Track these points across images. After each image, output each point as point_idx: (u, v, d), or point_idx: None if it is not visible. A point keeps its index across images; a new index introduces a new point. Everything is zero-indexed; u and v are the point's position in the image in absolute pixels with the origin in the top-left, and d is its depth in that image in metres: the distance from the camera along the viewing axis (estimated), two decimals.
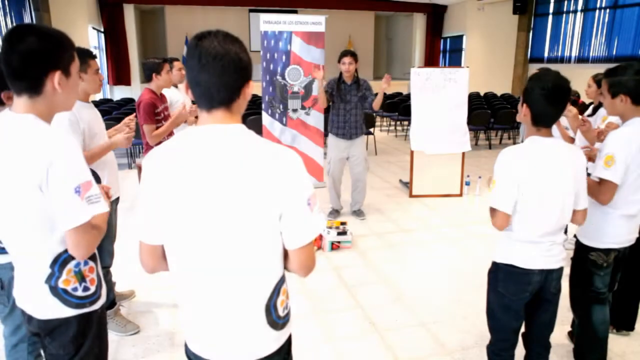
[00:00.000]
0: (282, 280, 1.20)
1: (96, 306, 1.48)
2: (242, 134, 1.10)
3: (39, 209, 1.28)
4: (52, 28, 1.33)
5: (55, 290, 1.39)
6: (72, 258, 1.39)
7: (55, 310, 1.41)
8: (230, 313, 1.15)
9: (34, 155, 1.22)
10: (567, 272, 2.47)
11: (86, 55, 2.48)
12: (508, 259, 1.87)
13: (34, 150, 1.23)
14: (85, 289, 1.44)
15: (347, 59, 4.38)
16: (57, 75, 1.30)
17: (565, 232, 4.01)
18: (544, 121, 1.76)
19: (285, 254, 1.19)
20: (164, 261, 1.20)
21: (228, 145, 1.07)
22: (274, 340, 1.20)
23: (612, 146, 2.05)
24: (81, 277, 1.43)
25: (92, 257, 1.48)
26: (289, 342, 1.27)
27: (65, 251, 1.37)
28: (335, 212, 4.84)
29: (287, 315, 1.25)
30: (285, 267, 1.22)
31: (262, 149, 1.08)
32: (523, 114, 1.80)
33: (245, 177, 1.05)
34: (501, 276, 1.91)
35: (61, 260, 1.38)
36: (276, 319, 1.19)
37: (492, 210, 1.81)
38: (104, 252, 2.75)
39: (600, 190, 2.08)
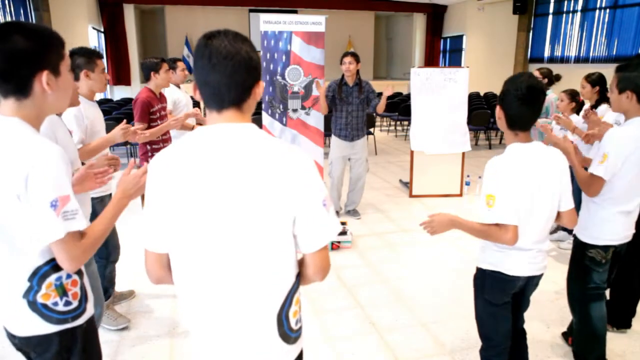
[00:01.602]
0: (295, 289, 1.15)
1: (80, 321, 1.39)
2: (254, 134, 1.06)
3: (18, 219, 1.21)
4: (40, 25, 1.26)
5: (34, 305, 1.30)
6: (53, 271, 1.31)
7: (34, 326, 1.32)
8: (240, 323, 1.10)
9: (13, 163, 1.16)
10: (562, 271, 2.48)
11: (93, 55, 2.55)
12: (495, 266, 1.85)
13: (14, 157, 1.16)
14: (67, 303, 1.35)
15: (347, 59, 4.42)
16: (45, 75, 1.22)
17: (571, 232, 4.04)
18: (520, 124, 1.74)
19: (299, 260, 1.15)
20: (170, 271, 1.15)
21: (240, 145, 1.04)
22: (284, 355, 1.16)
23: (607, 145, 2.08)
24: (62, 291, 1.34)
25: (77, 271, 1.40)
26: (299, 359, 1.22)
27: (46, 264, 1.30)
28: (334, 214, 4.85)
29: (300, 329, 1.19)
30: (299, 276, 1.17)
31: (275, 149, 1.05)
32: (498, 117, 1.79)
33: (257, 178, 1.01)
34: (488, 283, 1.90)
35: (41, 274, 1.30)
36: (288, 331, 1.14)
37: (498, 227, 1.72)
38: (110, 247, 2.81)
39: (589, 183, 2.12)
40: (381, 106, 4.53)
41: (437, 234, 1.88)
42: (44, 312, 1.32)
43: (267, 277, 1.08)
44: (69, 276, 1.35)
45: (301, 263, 1.15)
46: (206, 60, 1.02)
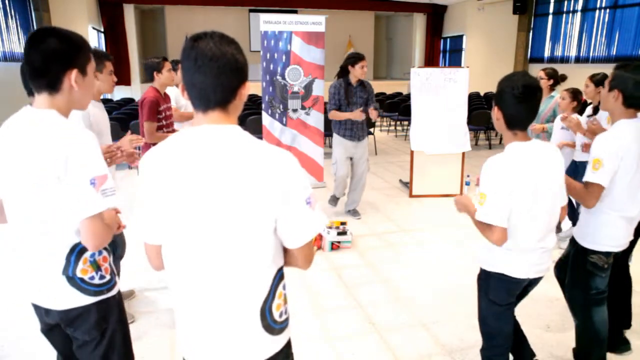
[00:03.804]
0: (277, 283, 1.18)
1: (113, 292, 1.55)
2: (237, 135, 1.09)
3: (58, 200, 1.34)
4: (71, 31, 1.42)
5: (72, 280, 1.44)
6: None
7: (74, 299, 1.46)
8: (224, 315, 1.13)
9: (55, 147, 1.30)
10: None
11: (102, 57, 2.65)
12: (500, 268, 1.84)
13: (55, 142, 1.30)
14: (102, 277, 1.51)
15: (364, 62, 4.36)
16: (74, 73, 1.39)
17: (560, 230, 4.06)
18: (518, 124, 1.74)
19: (284, 252, 1.19)
20: None
21: (223, 146, 1.07)
22: (269, 345, 1.18)
23: (598, 149, 2.03)
24: (97, 267, 1.49)
25: (105, 248, 1.54)
26: (287, 348, 1.25)
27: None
28: (334, 199, 4.84)
29: (285, 321, 1.22)
30: (285, 264, 1.21)
31: (258, 151, 1.08)
32: (496, 117, 1.78)
33: (239, 178, 1.04)
34: (492, 284, 1.89)
35: (78, 249, 1.43)
36: (272, 323, 1.17)
37: (487, 226, 1.74)
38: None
39: (587, 193, 2.04)
40: (372, 114, 4.53)
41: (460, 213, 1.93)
42: (83, 286, 1.46)
43: (248, 273, 1.12)
44: (100, 253, 1.51)
45: (287, 252, 1.19)
46: (192, 62, 1.05)
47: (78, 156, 1.31)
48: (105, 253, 1.53)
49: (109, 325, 1.54)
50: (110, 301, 1.54)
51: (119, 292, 1.60)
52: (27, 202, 1.37)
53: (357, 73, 4.37)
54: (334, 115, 4.47)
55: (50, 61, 1.35)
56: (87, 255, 1.45)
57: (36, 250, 1.42)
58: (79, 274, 1.44)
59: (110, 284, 1.54)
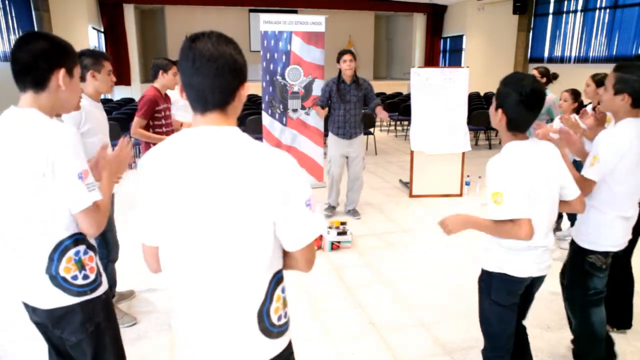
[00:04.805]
0: (274, 286, 1.16)
1: (98, 292, 1.53)
2: (236, 137, 1.08)
3: (43, 197, 1.35)
4: (59, 37, 1.45)
5: (55, 280, 1.43)
6: (73, 245, 1.44)
7: (57, 299, 1.45)
8: (221, 318, 1.12)
9: (37, 145, 1.31)
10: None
11: (101, 57, 2.63)
12: (502, 268, 1.84)
13: (38, 140, 1.31)
14: (85, 277, 1.49)
15: (347, 57, 4.38)
16: (62, 73, 1.40)
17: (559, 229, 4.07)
18: (520, 127, 1.74)
19: (285, 255, 1.18)
20: None
21: (221, 148, 1.05)
22: (268, 348, 1.17)
23: (598, 147, 2.05)
24: (81, 266, 1.47)
25: (91, 247, 1.53)
26: (287, 350, 1.24)
27: (68, 238, 1.43)
28: (331, 208, 4.85)
29: (285, 325, 1.21)
30: (286, 267, 1.21)
31: (256, 152, 1.06)
32: (499, 119, 1.76)
33: (237, 180, 1.03)
34: (495, 285, 1.88)
35: (62, 247, 1.43)
36: (270, 327, 1.16)
37: (511, 223, 1.68)
38: (110, 246, 2.82)
39: (581, 186, 2.03)
40: (380, 112, 4.53)
41: (453, 234, 1.87)
42: (65, 285, 1.45)
43: (244, 276, 1.11)
44: (85, 252, 1.49)
45: (287, 255, 1.18)
46: (190, 63, 1.03)
47: (63, 153, 1.32)
48: (91, 253, 1.51)
49: (95, 327, 1.52)
50: (95, 302, 1.52)
51: (106, 293, 1.57)
52: (12, 201, 1.38)
53: (342, 68, 4.42)
54: (317, 110, 4.77)
55: (39, 59, 1.36)
56: (71, 253, 1.44)
57: (21, 248, 1.42)
58: (61, 272, 1.43)
59: (95, 284, 1.51)
